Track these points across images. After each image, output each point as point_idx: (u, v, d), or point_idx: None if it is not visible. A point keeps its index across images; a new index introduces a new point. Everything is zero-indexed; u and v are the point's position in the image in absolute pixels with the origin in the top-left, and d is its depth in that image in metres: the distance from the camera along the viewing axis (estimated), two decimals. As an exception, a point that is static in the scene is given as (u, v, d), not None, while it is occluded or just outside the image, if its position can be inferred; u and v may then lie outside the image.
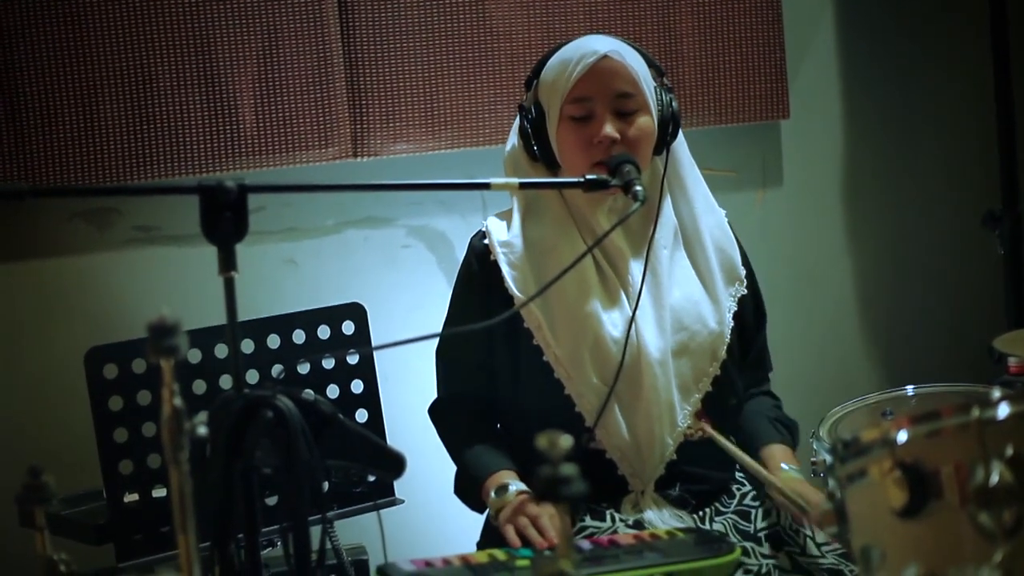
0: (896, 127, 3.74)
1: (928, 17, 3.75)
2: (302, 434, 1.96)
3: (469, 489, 2.52)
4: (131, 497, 2.53)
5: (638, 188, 2.24)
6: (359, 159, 3.22)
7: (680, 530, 2.19)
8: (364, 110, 3.21)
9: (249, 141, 3.14)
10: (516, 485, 2.40)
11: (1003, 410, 1.59)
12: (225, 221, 2.01)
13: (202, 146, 3.11)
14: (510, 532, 2.30)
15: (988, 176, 3.62)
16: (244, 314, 2.73)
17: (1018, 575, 1.50)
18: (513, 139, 2.56)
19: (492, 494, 2.41)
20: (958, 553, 1.57)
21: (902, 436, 1.61)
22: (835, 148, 3.72)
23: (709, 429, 2.46)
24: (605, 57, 2.45)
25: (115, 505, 2.52)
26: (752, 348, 2.65)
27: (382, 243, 3.33)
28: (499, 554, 2.12)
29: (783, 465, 2.46)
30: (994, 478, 1.54)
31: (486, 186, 2.09)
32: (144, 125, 3.07)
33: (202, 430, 1.68)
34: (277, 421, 1.95)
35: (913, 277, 3.79)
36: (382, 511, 2.74)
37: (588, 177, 2.18)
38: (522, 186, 2.14)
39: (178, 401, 1.65)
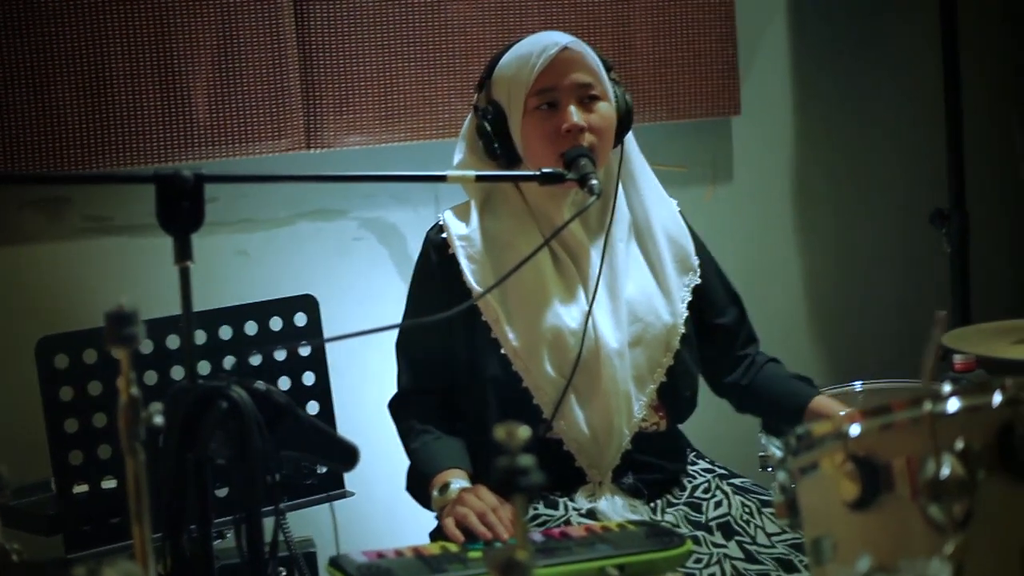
0: (846, 125, 3.78)
1: (879, 16, 3.78)
2: (256, 425, 1.96)
3: (418, 487, 2.52)
4: (81, 488, 2.52)
5: (594, 182, 2.26)
6: (312, 151, 3.21)
7: (632, 523, 2.21)
8: (318, 102, 3.20)
9: (203, 132, 3.12)
10: (458, 483, 2.40)
11: (953, 404, 1.62)
12: (182, 211, 2.00)
13: (156, 136, 3.09)
14: (449, 525, 2.29)
15: (936, 174, 3.66)
16: (196, 305, 2.71)
17: (968, 567, 1.52)
18: (461, 148, 2.56)
19: (435, 493, 2.41)
20: (909, 545, 1.59)
21: (854, 429, 1.64)
22: (785, 145, 3.75)
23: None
24: (565, 48, 2.48)
25: (65, 496, 2.50)
26: (740, 333, 2.69)
27: (334, 235, 3.32)
28: (451, 546, 2.12)
29: (842, 412, 2.48)
30: (944, 471, 1.56)
31: (442, 178, 2.09)
32: (98, 114, 3.05)
33: (158, 419, 1.68)
34: (231, 412, 1.95)
35: (861, 274, 3.83)
36: (333, 503, 2.76)
37: (544, 171, 2.20)
38: (479, 179, 2.16)
39: (135, 390, 1.65)
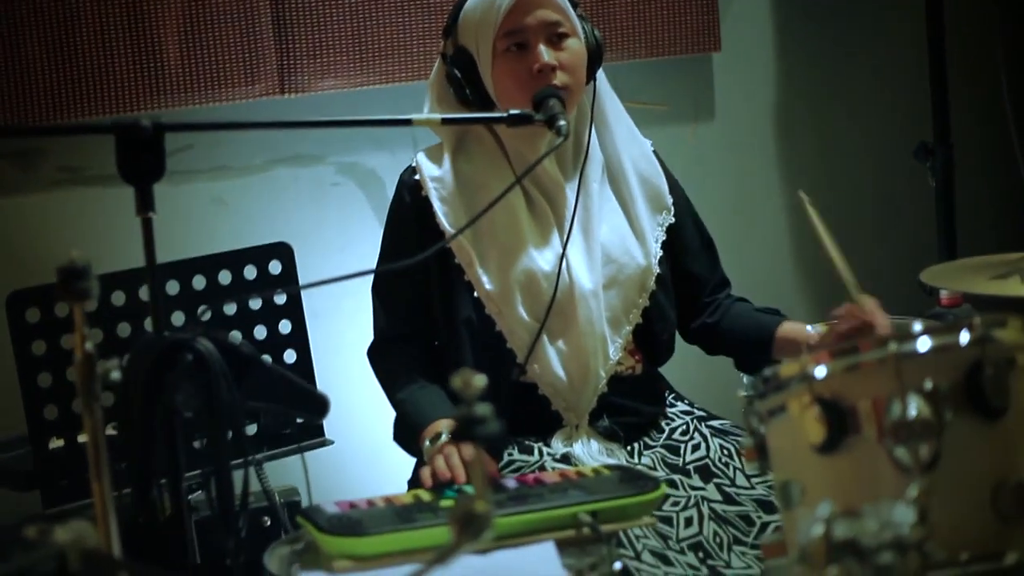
0: (828, 59, 3.74)
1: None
2: (223, 377, 1.94)
3: (407, 437, 2.50)
4: (57, 443, 2.51)
5: (561, 123, 2.23)
6: (286, 96, 3.17)
7: (607, 467, 2.19)
8: (291, 45, 3.16)
9: (174, 79, 3.08)
10: (448, 434, 2.39)
11: (923, 344, 1.59)
12: (142, 161, 1.97)
13: (126, 84, 3.05)
14: (423, 473, 2.28)
15: (920, 108, 3.62)
16: (172, 254, 2.73)
17: (937, 508, 1.50)
18: (430, 97, 2.52)
19: (427, 444, 2.39)
20: (877, 489, 1.57)
21: (820, 371, 1.61)
22: (767, 81, 3.70)
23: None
24: None
25: (40, 451, 2.48)
26: (712, 278, 2.66)
27: (312, 181, 3.29)
28: (424, 495, 2.10)
29: (808, 327, 2.51)
30: (911, 412, 1.54)
31: (407, 122, 2.06)
32: (66, 63, 3.00)
33: (115, 375, 1.66)
34: (197, 364, 1.93)
35: (846, 210, 3.79)
36: (314, 452, 2.75)
37: (511, 112, 2.16)
38: (444, 122, 2.12)
39: (90, 346, 1.63)
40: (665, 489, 2.07)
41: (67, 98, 3.01)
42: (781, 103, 3.72)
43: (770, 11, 3.67)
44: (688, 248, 2.62)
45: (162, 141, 1.96)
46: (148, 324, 2.55)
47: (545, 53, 2.41)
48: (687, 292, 2.63)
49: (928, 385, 1.57)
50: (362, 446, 2.97)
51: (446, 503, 2.04)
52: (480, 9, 2.45)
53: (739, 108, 3.66)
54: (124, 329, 2.54)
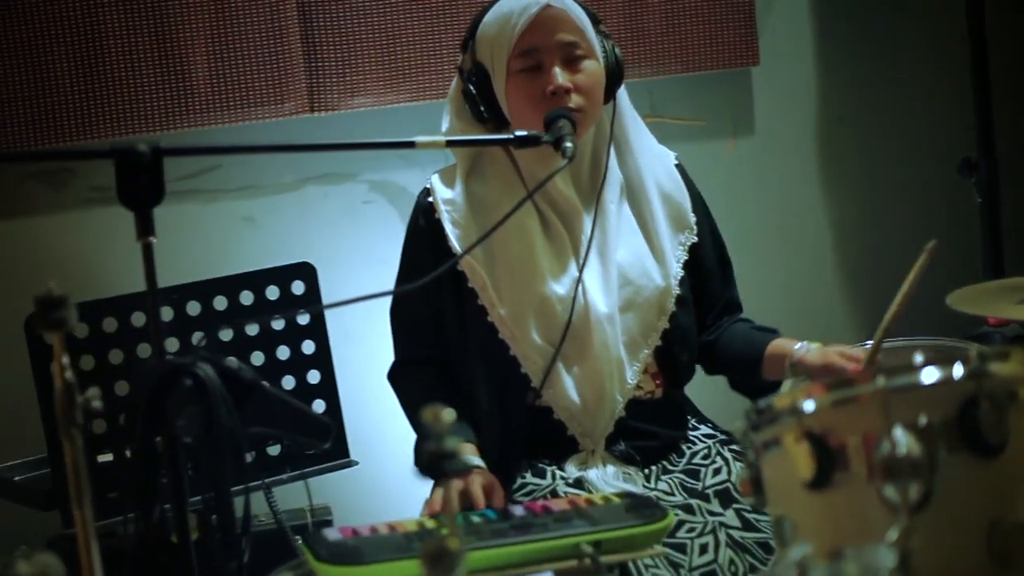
0: (869, 72, 3.66)
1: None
2: (222, 402, 1.93)
3: (424, 463, 2.47)
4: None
5: (567, 144, 2.19)
6: (316, 114, 3.16)
7: (617, 495, 2.14)
8: (320, 64, 3.15)
9: (203, 98, 3.08)
10: (471, 461, 2.37)
11: (914, 378, 1.54)
12: (140, 186, 1.97)
13: (154, 104, 3.05)
14: (435, 498, 2.28)
15: (963, 122, 3.54)
16: (202, 273, 2.74)
17: (923, 551, 1.44)
18: (448, 111, 2.50)
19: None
20: (867, 528, 1.51)
21: (809, 405, 1.56)
22: (808, 95, 3.64)
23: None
24: (547, 6, 2.39)
25: (59, 471, 2.49)
26: (721, 299, 2.60)
27: (343, 199, 3.28)
28: (428, 523, 2.08)
29: (798, 344, 2.42)
30: (900, 449, 1.48)
31: (411, 144, 2.03)
32: (95, 83, 3.01)
33: (97, 403, 1.65)
34: (196, 389, 1.92)
35: (889, 226, 3.72)
36: (340, 473, 2.73)
37: (517, 134, 2.13)
38: (449, 144, 2.09)
39: (69, 375, 1.62)
40: (673, 519, 2.03)
41: (94, 118, 3.01)
42: (821, 117, 3.65)
43: (810, 24, 3.60)
44: (703, 266, 2.57)
45: (161, 165, 1.94)
46: (168, 345, 2.56)
47: (560, 75, 2.36)
48: (697, 312, 2.58)
49: (922, 421, 1.52)
50: (388, 467, 2.94)
51: (445, 531, 2.01)
52: (496, 25, 2.41)
53: (779, 123, 3.60)
54: (144, 350, 2.55)
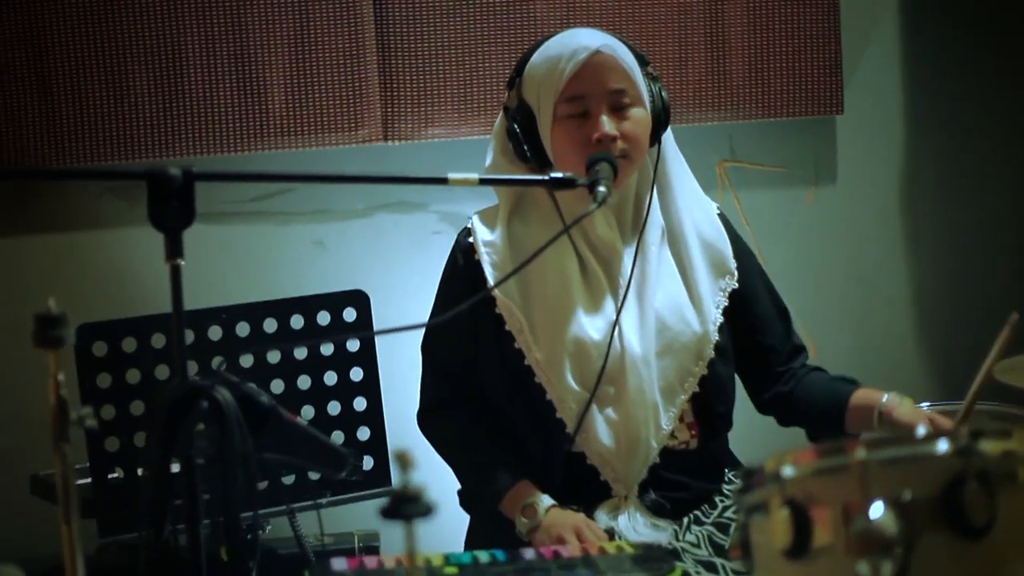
0: (959, 129, 3.57)
1: (998, 15, 3.56)
2: (237, 426, 1.95)
3: (481, 506, 2.49)
4: (116, 474, 2.56)
5: (601, 189, 2.16)
6: (390, 143, 3.19)
7: (633, 545, 2.11)
8: (396, 93, 3.18)
9: (279, 122, 3.14)
10: (543, 503, 2.37)
11: (897, 452, 1.49)
12: (171, 208, 1.99)
13: (232, 126, 3.11)
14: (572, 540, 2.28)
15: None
16: (269, 294, 2.78)
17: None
18: (492, 148, 2.48)
19: (521, 517, 2.37)
20: (843, 603, 1.47)
21: (788, 471, 1.52)
22: (893, 146, 3.55)
23: None
24: (597, 52, 2.36)
25: (99, 481, 2.54)
26: (784, 347, 2.55)
27: (413, 228, 3.30)
28: (434, 559, 2.07)
29: (885, 396, 2.39)
30: (876, 524, 1.43)
31: (444, 181, 2.03)
32: (174, 104, 3.09)
33: (91, 422, 1.67)
34: (212, 412, 1.94)
35: (972, 283, 3.61)
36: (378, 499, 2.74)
37: (552, 176, 2.12)
38: (482, 182, 2.08)
39: (64, 392, 1.65)
40: (680, 573, 1.99)
41: (173, 137, 3.09)
42: (906, 170, 3.56)
43: (899, 74, 3.52)
44: (761, 317, 2.52)
45: (192, 189, 1.97)
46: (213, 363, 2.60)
47: (607, 123, 2.34)
48: (760, 362, 2.54)
49: (906, 496, 1.46)
50: (437, 497, 2.94)
51: (450, 569, 2.01)
52: (544, 68, 2.39)
53: (862, 174, 3.52)
54: (191, 367, 2.58)
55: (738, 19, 3.31)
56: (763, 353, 2.53)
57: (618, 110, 2.37)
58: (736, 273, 2.49)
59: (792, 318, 2.60)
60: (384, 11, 3.15)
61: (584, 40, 2.38)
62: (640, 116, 2.38)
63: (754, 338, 2.52)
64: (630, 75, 2.38)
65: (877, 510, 1.44)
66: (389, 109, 3.18)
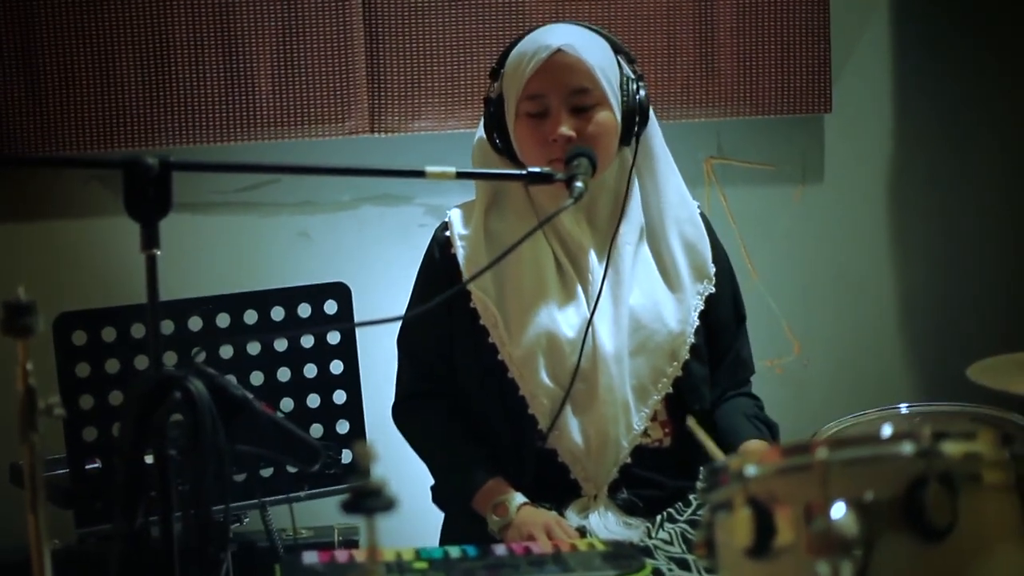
0: (948, 125, 3.55)
1: (987, 11, 3.55)
2: (210, 417, 1.94)
3: (454, 502, 2.49)
4: (94, 464, 2.55)
5: (577, 184, 2.16)
6: (377, 135, 3.19)
7: (605, 542, 2.11)
8: (383, 86, 3.18)
9: (266, 112, 3.14)
10: (515, 501, 2.37)
11: (858, 452, 1.49)
12: (147, 198, 1.99)
13: (219, 116, 3.12)
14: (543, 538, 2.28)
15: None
16: (253, 284, 2.77)
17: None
18: (477, 139, 2.50)
19: (493, 515, 2.37)
20: (803, 602, 1.47)
21: (751, 470, 1.52)
22: (882, 145, 3.54)
23: (693, 425, 2.29)
24: (559, 51, 2.36)
25: (77, 471, 2.53)
26: (729, 352, 2.54)
27: (398, 220, 3.30)
28: (405, 553, 2.07)
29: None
30: (835, 524, 1.43)
31: (421, 174, 2.02)
32: (161, 93, 3.09)
33: (59, 411, 1.67)
34: (185, 403, 1.94)
35: (960, 285, 3.60)
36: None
37: (530, 170, 2.11)
38: (459, 175, 2.07)
39: (32, 380, 1.64)
40: (649, 571, 1.98)
41: (160, 125, 3.09)
42: (894, 169, 3.55)
43: (888, 73, 3.51)
44: (719, 318, 2.52)
45: (169, 179, 1.97)
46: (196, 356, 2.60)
47: (564, 124, 2.34)
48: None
49: (868, 497, 1.46)
50: (410, 491, 2.93)
51: (420, 564, 2.01)
52: (512, 64, 2.41)
53: (850, 172, 3.52)
54: (170, 357, 2.58)
55: (727, 16, 3.30)
56: (711, 356, 2.52)
57: (580, 111, 2.36)
58: (714, 279, 2.49)
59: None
60: (372, 3, 3.15)
61: (550, 38, 2.38)
62: (603, 119, 2.37)
63: (709, 340, 2.51)
64: (593, 75, 2.36)
65: (839, 510, 1.44)
66: (376, 101, 3.18)
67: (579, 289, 2.41)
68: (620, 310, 2.39)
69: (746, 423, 2.47)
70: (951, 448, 1.48)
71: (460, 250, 2.44)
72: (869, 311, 3.56)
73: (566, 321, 2.38)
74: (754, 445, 2.40)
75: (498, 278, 2.40)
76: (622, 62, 2.42)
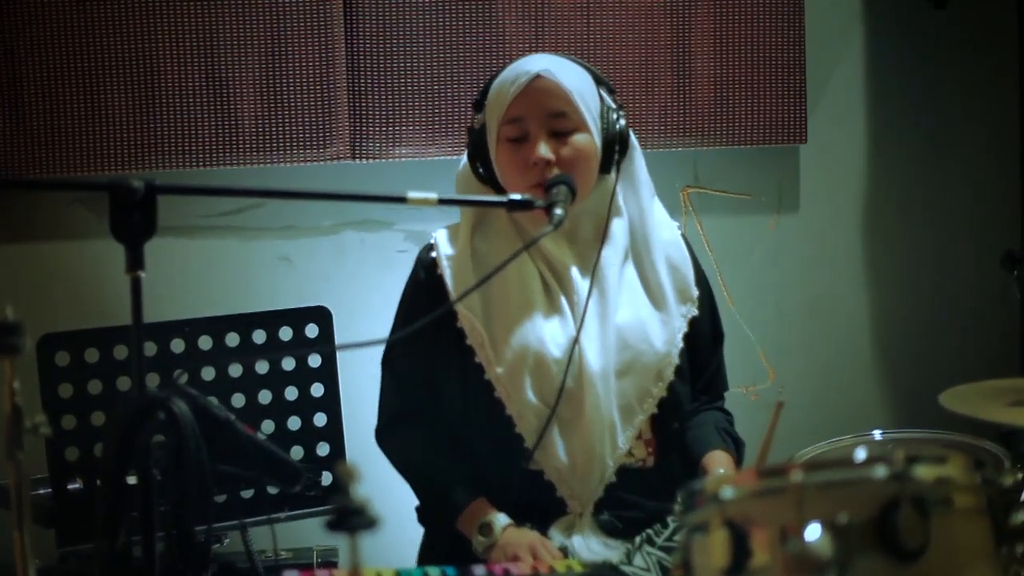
0: (919, 160, 3.62)
1: (957, 51, 3.62)
2: (193, 437, 1.96)
3: (440, 522, 2.51)
4: (76, 484, 2.57)
5: (557, 211, 2.20)
6: (358, 161, 3.22)
7: (583, 564, 2.14)
8: (364, 112, 3.21)
9: (249, 137, 3.16)
10: (499, 521, 2.39)
11: (832, 476, 1.52)
12: (133, 220, 2.01)
13: (202, 140, 3.14)
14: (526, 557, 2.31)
15: (1011, 215, 3.48)
16: (235, 308, 2.79)
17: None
18: (462, 166, 2.55)
19: (478, 535, 2.40)
20: (779, 623, 1.50)
21: (727, 492, 1.55)
22: (855, 177, 3.60)
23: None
24: (538, 77, 2.41)
25: (59, 491, 2.55)
26: (706, 370, 2.59)
27: (378, 246, 3.33)
28: (385, 573, 2.09)
29: (720, 469, 2.43)
30: (809, 546, 1.46)
31: (403, 200, 2.05)
32: (146, 117, 3.11)
33: (45, 430, 1.69)
34: (169, 424, 1.96)
35: (929, 314, 3.66)
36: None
37: (512, 198, 2.15)
38: (441, 202, 2.11)
39: (19, 400, 1.67)
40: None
41: (144, 149, 3.12)
42: (868, 200, 3.61)
43: (863, 106, 3.57)
44: (698, 341, 2.56)
45: (154, 201, 1.99)
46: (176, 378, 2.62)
47: (543, 147, 2.38)
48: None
49: (842, 519, 1.50)
50: (389, 512, 2.95)
51: (399, 587, 2.03)
52: (495, 92, 2.46)
53: (824, 202, 3.57)
54: (152, 379, 2.60)
55: (704, 46, 3.35)
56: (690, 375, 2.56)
57: (559, 135, 2.41)
58: (697, 301, 2.53)
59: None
60: (355, 30, 3.19)
61: (531, 65, 2.43)
62: (582, 142, 2.42)
63: (688, 360, 2.55)
64: (571, 100, 2.41)
65: (813, 532, 1.47)
66: (357, 127, 3.21)
67: (566, 308, 2.45)
68: (607, 329, 2.43)
69: (714, 435, 2.52)
70: (923, 472, 1.52)
71: (447, 270, 2.48)
72: (843, 339, 3.61)
73: (553, 340, 2.42)
74: (718, 455, 2.46)
75: (484, 298, 2.43)
76: (603, 93, 2.47)
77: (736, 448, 2.53)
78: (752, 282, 3.50)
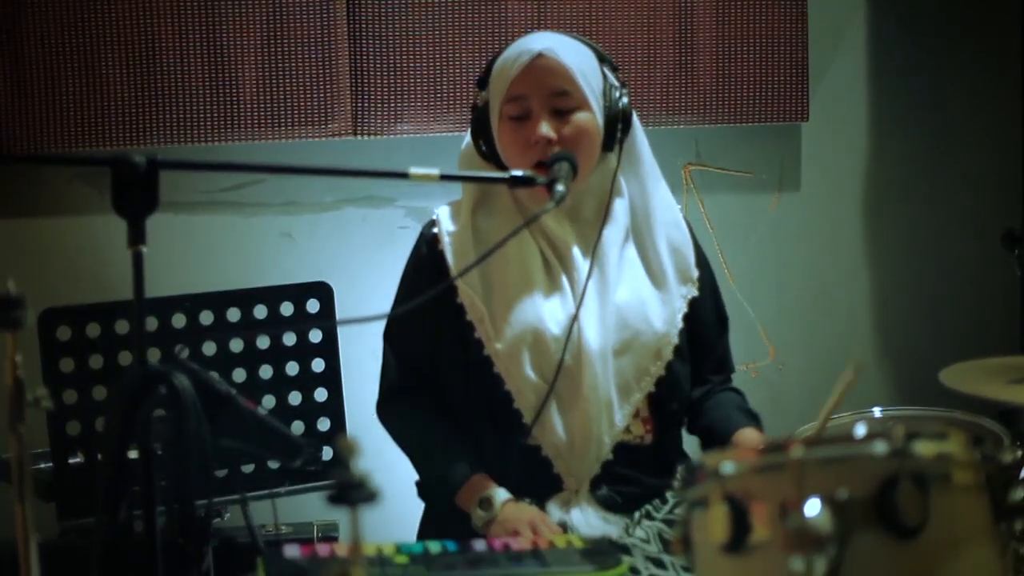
0: (920, 139, 3.62)
1: (959, 30, 3.61)
2: (193, 411, 1.97)
3: (439, 496, 2.52)
4: (77, 459, 2.57)
5: (559, 188, 2.20)
6: (360, 137, 3.22)
7: (581, 538, 2.14)
8: (366, 89, 3.20)
9: (250, 113, 3.16)
10: (499, 496, 2.40)
11: (834, 451, 1.53)
12: (134, 196, 2.01)
13: (204, 116, 3.14)
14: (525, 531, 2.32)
15: (1012, 193, 3.48)
16: (236, 284, 2.79)
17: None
18: (466, 143, 2.55)
19: (478, 510, 2.40)
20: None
21: (727, 468, 1.56)
22: (857, 155, 3.60)
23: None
24: (540, 55, 2.41)
25: (60, 465, 2.55)
26: (713, 353, 2.59)
27: (380, 223, 3.33)
28: (386, 547, 2.10)
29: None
30: (810, 521, 1.47)
31: (405, 175, 2.06)
32: (147, 93, 3.11)
33: (47, 403, 1.70)
34: (170, 398, 1.96)
35: (929, 293, 3.66)
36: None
37: (513, 174, 2.15)
38: (443, 178, 2.11)
39: (21, 373, 1.67)
40: (626, 568, 2.02)
41: (145, 126, 3.11)
42: (868, 180, 3.61)
43: (865, 84, 3.57)
44: (702, 324, 2.56)
45: (156, 176, 1.99)
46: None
47: (544, 126, 2.39)
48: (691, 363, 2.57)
49: (841, 495, 1.50)
50: (389, 487, 2.96)
51: (400, 559, 2.03)
52: (497, 70, 2.46)
53: (825, 181, 3.57)
54: (153, 354, 2.60)
55: (707, 24, 3.34)
56: (695, 357, 2.57)
57: (561, 113, 2.41)
58: (697, 283, 2.54)
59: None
60: (356, 6, 3.18)
61: (533, 43, 2.43)
62: (584, 120, 2.42)
63: (692, 342, 2.56)
64: (573, 78, 2.41)
65: (813, 507, 1.47)
66: (359, 104, 3.21)
67: (566, 285, 2.45)
68: (606, 307, 2.44)
69: (738, 414, 2.53)
70: (923, 448, 1.52)
71: (448, 246, 2.48)
72: (843, 316, 3.62)
73: (552, 317, 2.42)
74: (748, 433, 2.46)
75: (485, 274, 2.44)
76: (606, 71, 2.47)
77: (757, 423, 2.54)
78: (753, 260, 3.50)
